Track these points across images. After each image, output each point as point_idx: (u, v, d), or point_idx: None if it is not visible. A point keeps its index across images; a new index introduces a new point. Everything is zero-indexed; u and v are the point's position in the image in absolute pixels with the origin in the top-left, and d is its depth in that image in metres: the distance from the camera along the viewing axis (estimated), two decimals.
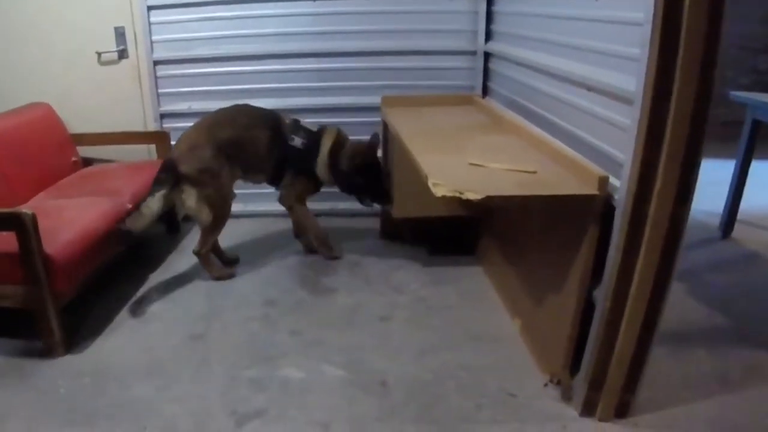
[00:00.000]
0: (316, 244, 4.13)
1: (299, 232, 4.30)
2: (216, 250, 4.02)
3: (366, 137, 4.00)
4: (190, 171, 3.58)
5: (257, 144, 3.75)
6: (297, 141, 3.81)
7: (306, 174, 3.89)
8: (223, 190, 3.69)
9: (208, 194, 3.62)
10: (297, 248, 4.28)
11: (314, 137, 3.86)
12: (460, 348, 3.13)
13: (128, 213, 3.47)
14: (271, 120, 3.83)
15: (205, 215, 3.67)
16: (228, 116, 3.80)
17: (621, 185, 2.29)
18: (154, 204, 3.51)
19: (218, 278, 3.86)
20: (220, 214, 3.72)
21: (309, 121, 3.97)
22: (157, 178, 3.60)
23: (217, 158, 3.62)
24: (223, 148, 3.65)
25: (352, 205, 4.22)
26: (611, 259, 2.35)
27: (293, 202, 3.96)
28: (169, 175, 3.57)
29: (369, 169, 3.91)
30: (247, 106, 3.91)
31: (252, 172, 3.88)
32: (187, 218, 4.00)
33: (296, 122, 3.88)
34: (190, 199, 3.61)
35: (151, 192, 3.54)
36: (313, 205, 4.09)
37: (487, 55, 4.50)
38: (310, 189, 4.00)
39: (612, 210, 2.36)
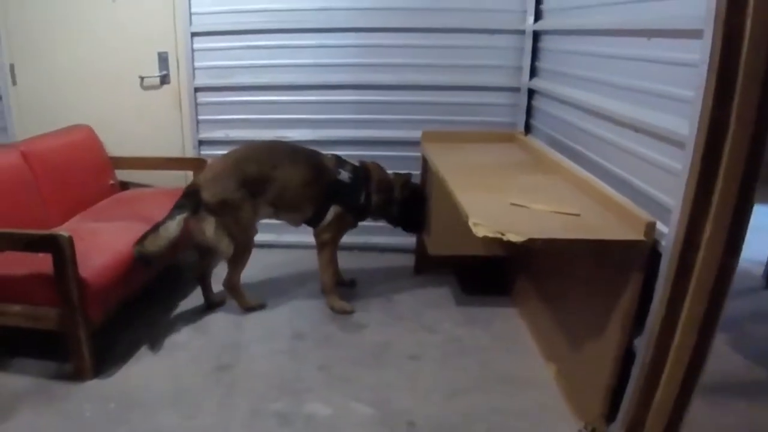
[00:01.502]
0: (323, 290, 3.98)
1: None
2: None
3: (403, 171, 4.04)
4: (211, 199, 3.52)
5: (290, 182, 3.68)
6: (344, 175, 3.77)
7: (353, 208, 3.85)
8: (242, 222, 3.61)
9: (227, 224, 3.57)
10: None
11: (360, 171, 3.85)
12: (491, 391, 3.06)
13: (145, 235, 3.41)
14: (309, 158, 3.78)
15: (225, 246, 3.61)
16: (260, 152, 3.76)
17: (669, 232, 2.24)
18: (173, 227, 3.43)
19: (248, 310, 3.83)
20: (241, 245, 3.66)
21: (344, 155, 3.94)
22: (178, 202, 3.55)
23: (239, 191, 3.56)
24: (247, 183, 3.58)
25: (386, 240, 4.18)
26: (655, 307, 2.30)
27: (329, 239, 3.85)
28: (191, 201, 3.52)
29: (417, 202, 3.98)
30: (282, 143, 3.91)
31: (285, 210, 3.80)
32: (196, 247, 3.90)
33: (338, 158, 3.85)
34: (209, 228, 3.54)
35: (170, 215, 3.47)
36: (347, 238, 4.03)
37: (531, 92, 4.45)
38: (350, 225, 3.93)
39: (658, 257, 2.30)
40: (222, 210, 3.53)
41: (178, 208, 3.51)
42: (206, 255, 3.78)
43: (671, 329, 2.25)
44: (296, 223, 3.91)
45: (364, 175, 3.87)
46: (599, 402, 2.59)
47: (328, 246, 3.86)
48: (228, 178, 3.57)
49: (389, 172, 4.02)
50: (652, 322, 2.30)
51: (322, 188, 3.74)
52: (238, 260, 3.71)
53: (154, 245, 3.37)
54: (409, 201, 3.98)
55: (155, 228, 3.41)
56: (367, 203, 3.87)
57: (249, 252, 3.75)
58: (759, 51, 1.89)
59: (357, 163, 3.90)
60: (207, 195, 3.52)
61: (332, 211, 3.79)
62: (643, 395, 2.38)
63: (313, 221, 3.84)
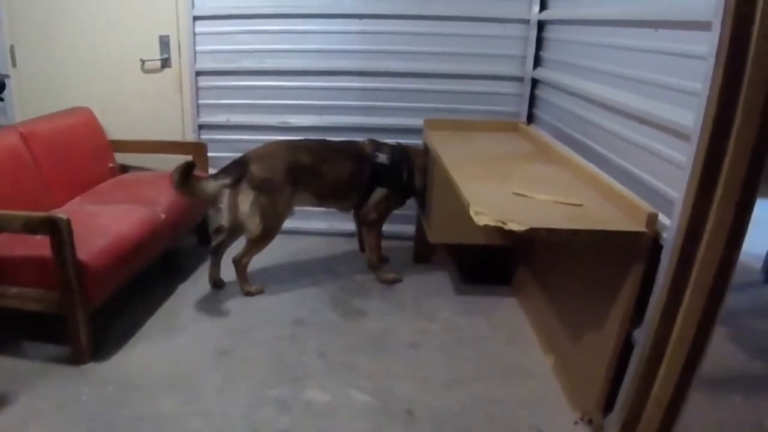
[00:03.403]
0: (370, 267, 4.16)
1: (362, 246, 4.37)
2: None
3: None
4: (259, 174, 3.62)
5: (340, 175, 3.85)
6: (382, 157, 3.91)
7: (397, 188, 3.97)
8: (278, 206, 3.69)
9: (263, 203, 3.64)
10: (329, 268, 4.24)
11: (399, 152, 3.98)
12: (490, 380, 3.06)
13: (195, 176, 3.55)
14: (350, 149, 3.93)
15: (255, 224, 3.67)
16: (314, 146, 3.89)
17: (671, 224, 2.23)
18: (211, 187, 3.61)
19: (248, 294, 3.84)
20: (269, 228, 3.72)
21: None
22: (225, 167, 3.71)
23: (285, 175, 3.68)
24: (295, 171, 3.71)
25: (386, 227, 4.16)
26: (654, 299, 2.29)
27: (375, 219, 4.00)
28: (238, 169, 3.64)
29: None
30: (331, 141, 3.99)
31: (330, 200, 3.98)
32: (219, 231, 3.93)
33: (374, 141, 4.00)
34: (245, 201, 3.63)
35: (214, 176, 3.66)
36: (349, 225, 4.05)
37: (535, 82, 4.44)
38: (398, 204, 4.07)
39: (659, 249, 2.29)
40: (263, 188, 3.63)
41: (222, 172, 3.68)
42: (234, 230, 3.84)
43: (671, 321, 2.24)
44: (346, 210, 4.10)
45: (403, 155, 3.98)
46: (596, 393, 2.58)
47: (374, 226, 4.02)
48: (279, 159, 3.70)
49: None
50: (652, 314, 2.29)
51: (366, 174, 3.87)
52: (257, 243, 3.77)
53: (192, 187, 3.55)
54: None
55: (198, 179, 3.59)
56: (410, 182, 4.00)
57: (271, 239, 3.82)
58: (767, 44, 1.87)
59: (394, 144, 4.02)
60: (254, 168, 3.63)
61: (377, 193, 3.93)
62: (641, 387, 2.37)
63: (359, 205, 3.99)
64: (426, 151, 4.05)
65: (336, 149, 3.90)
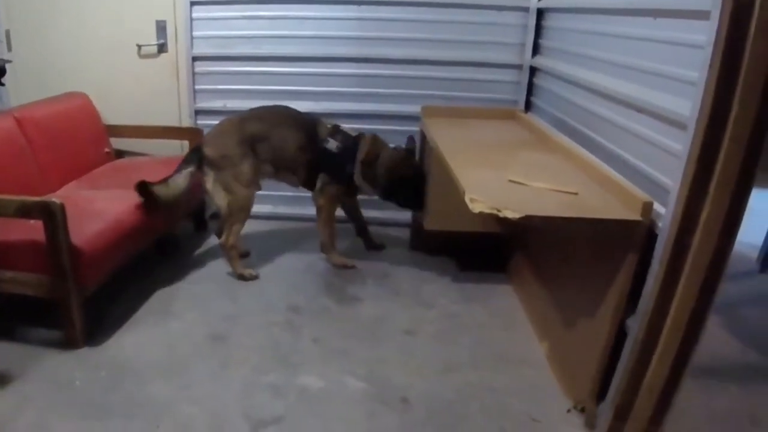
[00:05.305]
0: (322, 249, 4.14)
1: (357, 231, 4.38)
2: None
3: (402, 145, 4.02)
4: (212, 154, 3.72)
5: (286, 143, 3.82)
6: (332, 144, 3.83)
7: (339, 178, 3.89)
8: (240, 178, 3.73)
9: (224, 179, 3.72)
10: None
11: (352, 143, 3.88)
12: (485, 368, 3.06)
13: (154, 183, 3.57)
14: (307, 123, 3.88)
15: (220, 199, 3.75)
16: (262, 114, 3.90)
17: (666, 212, 2.21)
18: (181, 180, 3.69)
19: (241, 276, 3.84)
20: (236, 201, 3.75)
21: (348, 126, 3.99)
22: (185, 157, 3.81)
23: (240, 147, 3.73)
24: (248, 140, 3.76)
25: (382, 214, 4.16)
26: (648, 288, 2.28)
27: (324, 203, 3.95)
28: (195, 156, 3.76)
29: (406, 179, 3.89)
30: (286, 108, 3.99)
31: (282, 171, 3.94)
32: (215, 216, 3.96)
33: (336, 127, 3.93)
34: (208, 182, 3.75)
35: (178, 169, 3.72)
36: (341, 212, 4.04)
37: (533, 70, 4.42)
38: (342, 193, 4.00)
39: (654, 237, 2.28)
40: (221, 164, 3.71)
41: (184, 162, 3.77)
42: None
43: (664, 310, 2.23)
44: (294, 185, 4.06)
45: (353, 146, 3.88)
46: (590, 381, 2.59)
47: (322, 210, 3.99)
48: (230, 135, 3.77)
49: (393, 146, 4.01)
50: (646, 303, 2.28)
51: (313, 155, 3.85)
52: (233, 218, 3.78)
53: (162, 192, 3.59)
54: (398, 183, 3.89)
55: (164, 180, 3.63)
56: (353, 175, 3.91)
57: (245, 211, 3.82)
58: (766, 34, 1.86)
59: (355, 134, 3.94)
60: (208, 150, 3.73)
61: (320, 179, 3.90)
62: (634, 376, 2.37)
63: (308, 185, 3.97)
64: (387, 147, 3.98)
65: (290, 117, 3.92)
